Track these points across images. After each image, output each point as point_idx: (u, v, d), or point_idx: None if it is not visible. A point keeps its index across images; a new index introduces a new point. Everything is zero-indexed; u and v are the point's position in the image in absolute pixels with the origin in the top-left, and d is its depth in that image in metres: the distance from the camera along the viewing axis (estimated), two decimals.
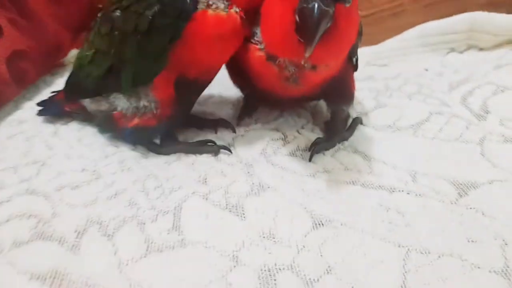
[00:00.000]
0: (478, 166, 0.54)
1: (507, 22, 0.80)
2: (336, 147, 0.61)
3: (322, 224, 0.46)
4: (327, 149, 0.60)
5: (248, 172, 0.56)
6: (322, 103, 0.72)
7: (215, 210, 0.49)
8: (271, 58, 0.51)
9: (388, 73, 0.83)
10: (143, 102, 0.55)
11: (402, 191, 0.51)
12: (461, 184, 0.51)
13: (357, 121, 0.66)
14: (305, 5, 0.41)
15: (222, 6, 0.49)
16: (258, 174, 0.55)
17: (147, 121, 0.56)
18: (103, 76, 0.55)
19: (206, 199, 0.51)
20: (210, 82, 0.59)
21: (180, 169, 0.57)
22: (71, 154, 0.59)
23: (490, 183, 0.51)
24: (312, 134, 0.65)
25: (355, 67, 0.61)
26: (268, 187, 0.52)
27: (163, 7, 0.48)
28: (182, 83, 0.54)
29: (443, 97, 0.71)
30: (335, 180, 0.54)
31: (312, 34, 0.41)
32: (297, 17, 0.43)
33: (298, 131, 0.66)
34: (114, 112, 0.57)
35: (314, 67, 0.51)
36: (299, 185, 0.53)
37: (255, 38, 0.52)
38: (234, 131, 0.65)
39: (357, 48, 0.58)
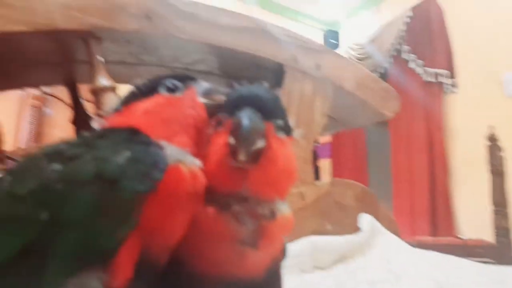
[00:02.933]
0: None
1: (339, 242, 1.01)
2: None
3: None
4: None
5: None
6: None
7: None
8: (224, 207, 0.46)
9: None
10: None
11: None
12: None
13: None
14: (236, 121, 0.43)
15: (191, 161, 0.44)
16: None
17: None
18: (6, 266, 0.33)
19: None
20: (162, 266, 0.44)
21: None
22: None
23: None
24: None
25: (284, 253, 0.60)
26: None
27: (135, 153, 0.39)
28: (139, 265, 0.39)
29: None
30: None
31: (245, 137, 0.42)
32: (231, 139, 0.43)
33: None
34: None
35: (272, 215, 0.48)
36: None
37: None
38: None
39: None
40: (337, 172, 3.14)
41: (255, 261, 0.49)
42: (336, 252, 1.01)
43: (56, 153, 0.38)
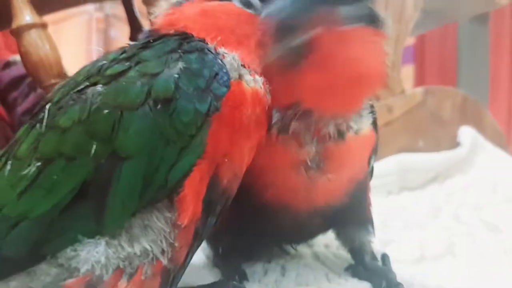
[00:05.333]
0: None
1: (432, 160, 0.92)
2: None
3: None
4: None
5: None
6: (325, 252, 0.59)
7: None
8: (282, 128, 0.41)
9: None
10: (142, 245, 0.31)
11: None
12: None
13: (387, 258, 0.54)
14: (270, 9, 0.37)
15: (251, 78, 0.37)
16: None
17: (143, 284, 0.31)
18: (63, 209, 0.30)
19: None
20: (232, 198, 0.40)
21: None
22: None
23: None
24: (351, 283, 0.49)
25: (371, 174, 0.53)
26: None
27: (190, 64, 0.32)
28: (209, 198, 0.34)
29: (436, 222, 0.69)
30: None
31: (275, 29, 0.36)
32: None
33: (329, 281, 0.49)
34: (68, 281, 0.30)
35: (340, 134, 0.42)
36: None
37: None
38: None
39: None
40: (420, 79, 2.84)
41: (327, 186, 0.44)
42: (428, 170, 0.92)
43: (96, 72, 0.33)
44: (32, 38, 0.66)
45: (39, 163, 0.31)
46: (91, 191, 0.30)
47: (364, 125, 0.47)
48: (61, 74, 0.70)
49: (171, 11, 0.40)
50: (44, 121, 0.33)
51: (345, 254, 0.54)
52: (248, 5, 0.40)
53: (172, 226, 0.32)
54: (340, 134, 0.43)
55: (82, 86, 0.32)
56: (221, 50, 0.36)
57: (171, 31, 0.37)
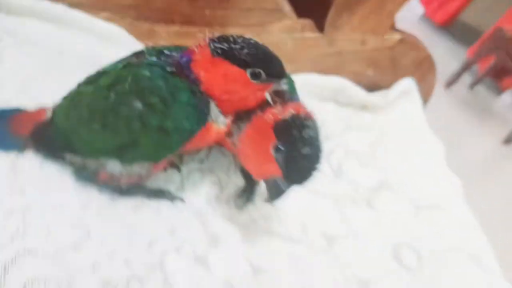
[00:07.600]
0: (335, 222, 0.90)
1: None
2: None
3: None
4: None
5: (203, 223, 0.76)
6: None
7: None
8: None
9: None
10: (137, 169, 0.67)
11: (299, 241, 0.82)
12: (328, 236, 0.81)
13: None
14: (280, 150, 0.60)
15: (221, 119, 0.65)
16: (211, 226, 0.76)
17: (130, 179, 0.69)
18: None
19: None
20: None
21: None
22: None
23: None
24: (238, 179, 0.85)
25: None
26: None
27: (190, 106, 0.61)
28: None
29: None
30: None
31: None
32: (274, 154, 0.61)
33: (227, 175, 0.88)
34: (100, 171, 0.67)
35: None
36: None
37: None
38: (179, 170, 0.82)
39: None
40: None
41: None
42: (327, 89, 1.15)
43: (139, 91, 0.59)
44: None
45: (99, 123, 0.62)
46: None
47: None
48: None
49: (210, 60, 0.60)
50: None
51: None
52: (257, 77, 0.60)
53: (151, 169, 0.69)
54: None
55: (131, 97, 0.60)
56: (212, 104, 0.63)
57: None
